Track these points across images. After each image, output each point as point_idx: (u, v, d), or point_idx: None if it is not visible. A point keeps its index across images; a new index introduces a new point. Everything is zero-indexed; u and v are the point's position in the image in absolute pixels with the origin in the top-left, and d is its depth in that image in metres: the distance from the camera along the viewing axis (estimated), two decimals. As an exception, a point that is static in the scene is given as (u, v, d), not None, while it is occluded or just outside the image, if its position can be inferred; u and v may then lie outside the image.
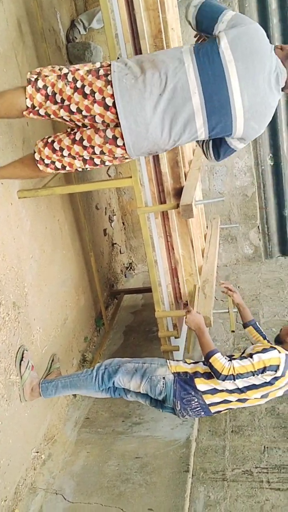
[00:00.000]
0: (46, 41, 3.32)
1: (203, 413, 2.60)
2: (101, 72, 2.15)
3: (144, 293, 4.69)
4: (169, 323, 3.22)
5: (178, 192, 3.06)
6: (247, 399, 2.50)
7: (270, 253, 5.22)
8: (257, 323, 2.84)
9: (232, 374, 2.37)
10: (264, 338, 2.74)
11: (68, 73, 2.19)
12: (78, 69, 2.19)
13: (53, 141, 2.33)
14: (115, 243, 4.94)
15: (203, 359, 2.52)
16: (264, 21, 4.46)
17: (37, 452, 2.93)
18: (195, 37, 2.48)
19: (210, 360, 2.41)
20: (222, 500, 2.66)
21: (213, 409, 2.56)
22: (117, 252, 5.01)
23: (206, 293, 3.33)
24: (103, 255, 4.56)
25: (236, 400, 2.52)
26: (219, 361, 2.39)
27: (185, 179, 3.20)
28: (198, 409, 2.57)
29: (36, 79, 2.21)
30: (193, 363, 2.64)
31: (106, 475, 2.85)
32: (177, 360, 2.71)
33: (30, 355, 2.79)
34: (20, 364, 2.69)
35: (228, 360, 2.42)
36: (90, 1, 4.27)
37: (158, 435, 3.07)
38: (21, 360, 2.70)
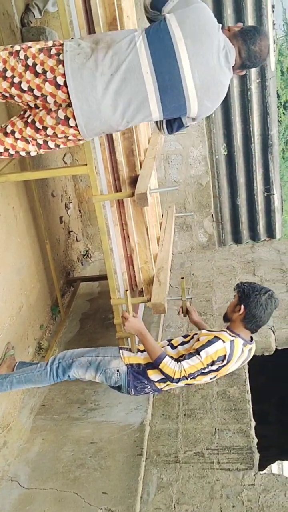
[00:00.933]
0: (0, 25, 3.24)
1: (156, 393, 2.75)
2: (53, 51, 2.14)
3: (100, 281, 4.69)
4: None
5: (134, 181, 3.08)
6: (195, 381, 2.57)
7: (223, 241, 5.33)
8: None
9: (185, 376, 2.42)
10: None
11: (20, 50, 2.16)
12: (30, 47, 2.17)
13: (6, 126, 2.31)
14: (72, 231, 4.92)
15: None
16: (218, 11, 4.50)
17: (-8, 440, 2.93)
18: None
19: (160, 367, 2.44)
20: (174, 481, 2.74)
21: (164, 389, 2.65)
22: (74, 239, 4.99)
23: (160, 280, 3.37)
24: (59, 243, 4.53)
25: (185, 384, 2.62)
26: (169, 367, 2.42)
27: (141, 168, 3.22)
28: (151, 392, 2.66)
29: None
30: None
31: (61, 461, 2.88)
32: (130, 350, 2.71)
33: None
34: None
35: (177, 362, 2.45)
36: None
37: (113, 420, 3.12)
38: None
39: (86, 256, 5.27)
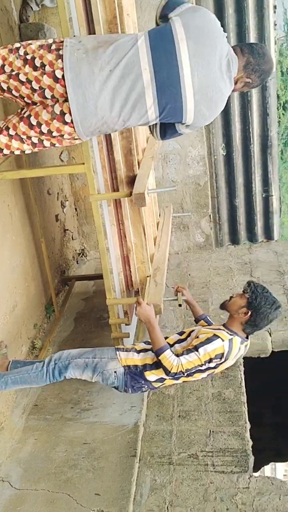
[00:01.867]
0: (-2, 20, 3.22)
1: (151, 391, 2.77)
2: (53, 46, 2.13)
3: (95, 280, 4.67)
4: (120, 310, 3.23)
5: (131, 180, 3.06)
6: (193, 378, 2.60)
7: (220, 242, 5.30)
8: (208, 316, 2.92)
9: (181, 371, 2.44)
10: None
11: (20, 47, 2.15)
12: (31, 44, 2.16)
13: (3, 124, 2.29)
14: (67, 229, 4.89)
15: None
16: (219, 11, 4.48)
17: (-16, 440, 2.91)
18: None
19: (160, 358, 2.47)
20: (167, 483, 2.72)
21: (161, 387, 2.70)
22: (69, 238, 4.95)
23: (157, 281, 3.35)
24: (55, 241, 4.50)
25: (183, 382, 2.63)
26: (168, 360, 2.44)
27: (139, 167, 3.20)
28: (147, 390, 2.71)
29: None
30: (143, 351, 2.66)
31: (53, 462, 2.86)
32: (126, 350, 2.70)
33: None
34: None
35: (176, 356, 2.47)
36: None
37: (106, 421, 3.10)
38: None
39: (81, 254, 5.24)
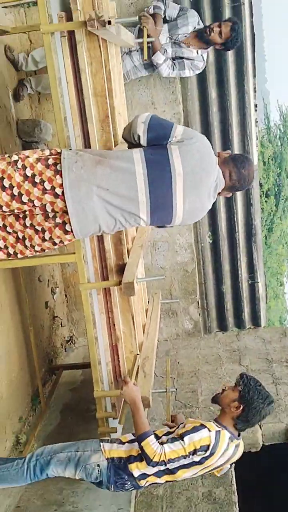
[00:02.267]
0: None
1: (136, 490, 2.69)
2: (51, 161, 2.23)
3: (83, 369, 4.54)
4: (108, 403, 3.13)
5: (121, 269, 3.08)
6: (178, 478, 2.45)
7: (209, 328, 5.28)
8: None
9: (163, 460, 2.32)
10: None
11: (18, 160, 2.25)
12: (28, 156, 2.26)
13: (4, 225, 2.36)
14: (56, 316, 4.84)
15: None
16: (204, 109, 4.75)
17: None
18: None
19: (142, 444, 2.36)
20: None
21: (145, 486, 2.53)
22: (58, 325, 4.89)
23: (145, 371, 3.28)
24: (43, 329, 4.44)
25: (166, 482, 2.48)
26: (151, 447, 2.34)
27: (128, 256, 3.24)
28: (131, 488, 2.53)
29: None
30: (128, 442, 2.54)
31: None
32: (111, 442, 2.59)
33: None
34: None
35: (160, 443, 2.36)
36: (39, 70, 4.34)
37: (92, 526, 2.90)
38: None
39: (70, 342, 5.15)
